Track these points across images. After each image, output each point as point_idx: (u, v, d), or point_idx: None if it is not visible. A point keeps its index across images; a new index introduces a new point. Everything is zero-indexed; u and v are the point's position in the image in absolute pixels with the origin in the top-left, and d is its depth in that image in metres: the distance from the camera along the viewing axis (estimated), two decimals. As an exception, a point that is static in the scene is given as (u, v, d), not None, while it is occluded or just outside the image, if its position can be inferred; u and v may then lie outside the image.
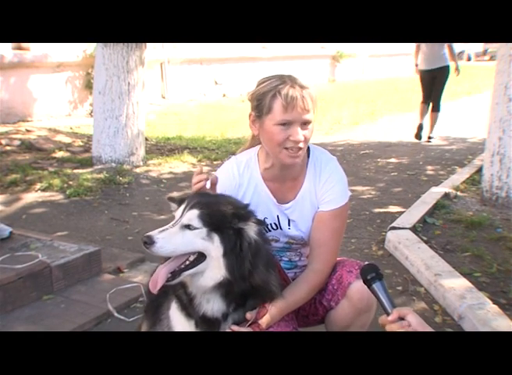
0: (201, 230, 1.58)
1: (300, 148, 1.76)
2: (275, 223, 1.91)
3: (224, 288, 1.62)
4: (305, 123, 1.75)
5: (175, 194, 5.04)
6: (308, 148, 1.91)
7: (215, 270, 1.59)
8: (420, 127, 7.64)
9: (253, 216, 1.66)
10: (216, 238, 1.58)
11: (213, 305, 1.65)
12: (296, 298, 1.83)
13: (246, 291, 1.65)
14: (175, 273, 1.59)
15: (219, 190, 1.83)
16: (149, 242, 1.51)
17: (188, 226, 1.57)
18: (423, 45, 7.22)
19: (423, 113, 7.56)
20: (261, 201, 1.89)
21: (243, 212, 1.64)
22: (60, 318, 2.66)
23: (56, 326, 2.56)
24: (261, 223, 1.72)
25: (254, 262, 1.62)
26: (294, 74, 1.81)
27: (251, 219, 1.65)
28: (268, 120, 1.76)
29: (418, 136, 7.67)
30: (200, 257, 1.59)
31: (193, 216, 1.58)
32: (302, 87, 1.74)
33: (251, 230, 1.63)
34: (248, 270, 1.61)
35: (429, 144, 7.59)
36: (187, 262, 1.59)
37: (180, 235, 1.56)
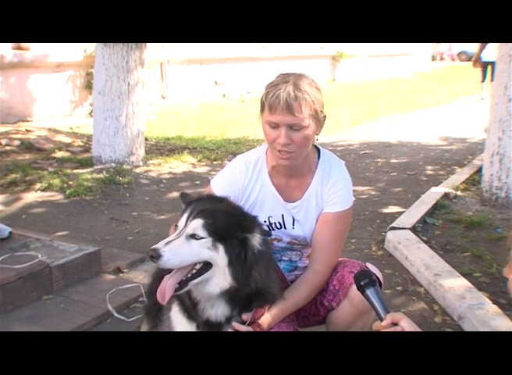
0: (207, 240, 1.56)
1: (290, 151, 1.74)
2: (279, 222, 1.91)
3: (229, 294, 1.61)
4: (296, 127, 1.71)
5: (175, 194, 5.07)
6: (319, 149, 1.92)
7: (221, 278, 1.58)
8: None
9: (258, 227, 1.65)
10: (221, 248, 1.56)
11: (217, 310, 1.65)
12: (297, 299, 1.82)
13: (251, 294, 1.64)
14: (182, 283, 1.58)
15: (225, 187, 1.83)
16: (156, 256, 1.48)
17: (193, 236, 1.55)
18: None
19: (483, 87, 11.70)
20: (267, 199, 1.89)
21: (247, 223, 1.62)
22: (60, 318, 2.66)
23: (56, 326, 2.56)
24: (267, 233, 1.72)
25: (257, 270, 1.61)
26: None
27: (256, 229, 1.63)
28: (263, 118, 1.79)
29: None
30: (207, 265, 1.58)
31: (197, 225, 1.56)
32: (299, 89, 1.69)
33: (256, 240, 1.62)
34: (253, 278, 1.60)
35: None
36: (194, 271, 1.58)
37: (187, 246, 1.54)
